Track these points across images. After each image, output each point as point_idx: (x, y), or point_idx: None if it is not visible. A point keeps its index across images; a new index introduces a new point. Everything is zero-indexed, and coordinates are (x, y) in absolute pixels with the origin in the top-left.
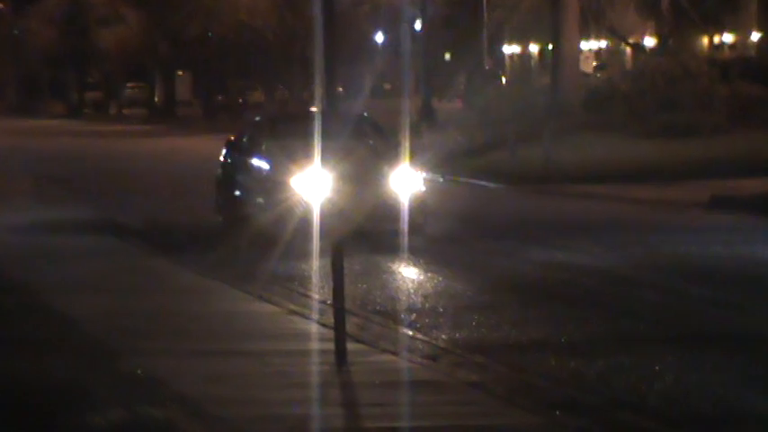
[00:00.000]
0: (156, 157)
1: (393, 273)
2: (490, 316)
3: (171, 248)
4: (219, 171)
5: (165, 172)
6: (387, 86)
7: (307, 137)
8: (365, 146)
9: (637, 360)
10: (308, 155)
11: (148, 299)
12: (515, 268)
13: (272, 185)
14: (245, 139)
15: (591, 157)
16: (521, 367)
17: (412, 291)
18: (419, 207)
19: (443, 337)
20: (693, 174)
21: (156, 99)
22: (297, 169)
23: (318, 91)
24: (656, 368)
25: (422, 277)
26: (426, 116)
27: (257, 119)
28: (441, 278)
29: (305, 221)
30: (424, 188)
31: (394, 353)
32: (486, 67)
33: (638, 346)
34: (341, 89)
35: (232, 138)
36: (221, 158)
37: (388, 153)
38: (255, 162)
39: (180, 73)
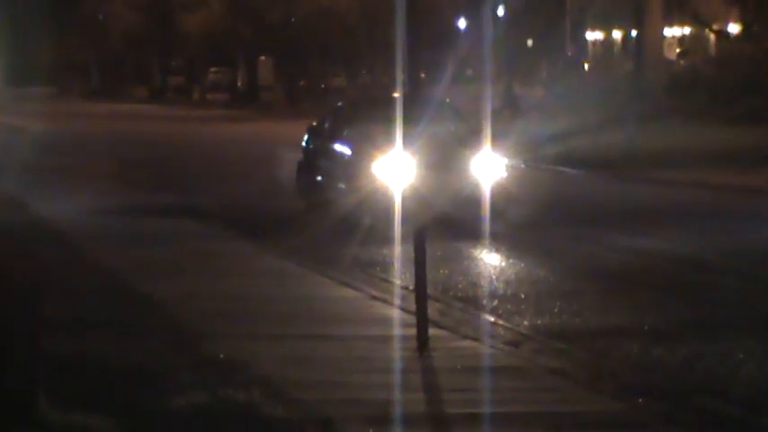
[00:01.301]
0: (238, 141)
1: (475, 259)
2: (572, 302)
3: (253, 232)
4: (302, 156)
5: (248, 157)
6: (469, 72)
7: (389, 122)
8: (447, 131)
9: (720, 347)
10: (389, 140)
11: (230, 282)
12: (597, 255)
13: (354, 171)
14: (326, 125)
15: (673, 143)
16: (603, 354)
17: (493, 277)
18: (501, 193)
19: (525, 323)
20: None
21: (238, 84)
22: (379, 155)
23: (400, 76)
24: (740, 355)
25: (503, 263)
26: (508, 102)
27: (339, 104)
28: (522, 264)
29: (387, 207)
30: (505, 174)
31: (475, 338)
32: (569, 54)
33: (722, 333)
34: (423, 74)
35: (314, 123)
36: (303, 144)
37: (469, 139)
38: (337, 147)
39: (262, 58)
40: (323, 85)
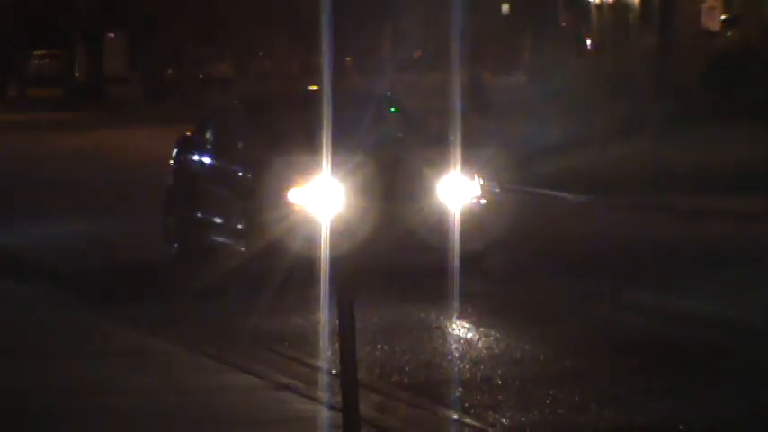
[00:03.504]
0: (79, 159)
1: (431, 327)
2: (573, 390)
3: (105, 296)
4: (172, 181)
5: (94, 182)
6: (416, 54)
7: (305, 129)
8: (394, 141)
9: None
10: (307, 156)
11: (76, 371)
12: (609, 319)
13: (257, 203)
14: (209, 135)
15: (718, 157)
16: None
17: (457, 353)
18: (476, 229)
19: (503, 421)
20: None
21: (76, 74)
22: (294, 179)
23: (319, 61)
24: None
25: (472, 333)
26: (476, 97)
27: (228, 103)
28: (499, 334)
29: (305, 255)
30: (483, 201)
31: None
32: (563, 25)
33: None
34: (348, 58)
35: (190, 132)
36: (173, 163)
37: (427, 151)
38: (228, 168)
39: (111, 35)
40: (201, 75)
